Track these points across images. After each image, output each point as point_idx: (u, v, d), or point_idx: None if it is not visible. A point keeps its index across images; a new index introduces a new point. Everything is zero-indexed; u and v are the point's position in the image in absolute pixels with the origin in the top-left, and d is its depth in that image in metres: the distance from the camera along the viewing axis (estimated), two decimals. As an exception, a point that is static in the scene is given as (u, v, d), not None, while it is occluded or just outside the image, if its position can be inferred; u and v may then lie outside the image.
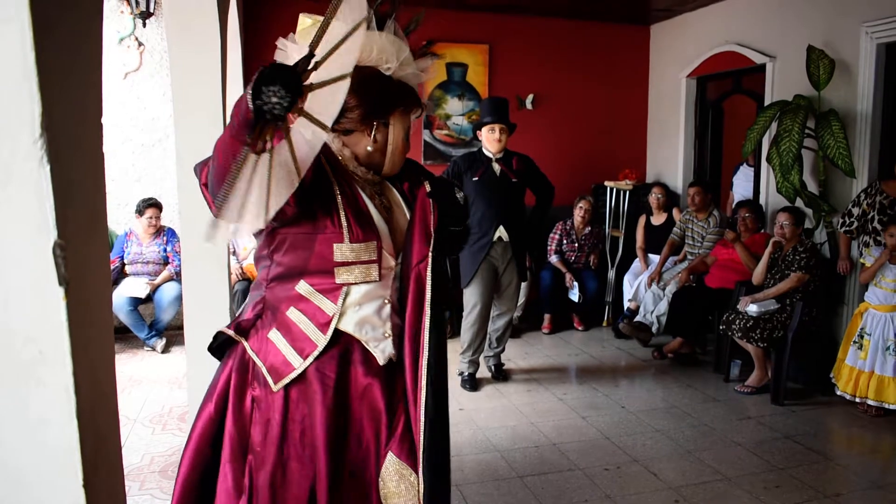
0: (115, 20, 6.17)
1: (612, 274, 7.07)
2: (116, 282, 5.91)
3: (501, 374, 5.33)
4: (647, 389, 5.24)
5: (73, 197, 1.17)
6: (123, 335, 6.04)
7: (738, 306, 5.15)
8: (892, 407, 4.47)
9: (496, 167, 4.96)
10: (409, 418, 1.86)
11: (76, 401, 1.13)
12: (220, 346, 1.99)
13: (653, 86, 7.93)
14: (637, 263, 6.86)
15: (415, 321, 1.87)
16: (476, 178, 4.91)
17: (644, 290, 6.35)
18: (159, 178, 6.47)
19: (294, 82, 1.36)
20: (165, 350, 5.88)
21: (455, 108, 7.22)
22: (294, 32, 1.83)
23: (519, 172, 5.00)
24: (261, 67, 1.36)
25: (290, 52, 1.80)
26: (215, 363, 3.73)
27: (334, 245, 1.81)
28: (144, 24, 5.84)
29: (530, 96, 7.42)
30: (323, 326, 1.84)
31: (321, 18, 1.54)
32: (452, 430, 4.30)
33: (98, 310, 1.32)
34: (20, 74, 1.02)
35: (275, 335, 1.85)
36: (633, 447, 4.10)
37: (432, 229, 1.88)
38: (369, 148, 1.88)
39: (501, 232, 4.92)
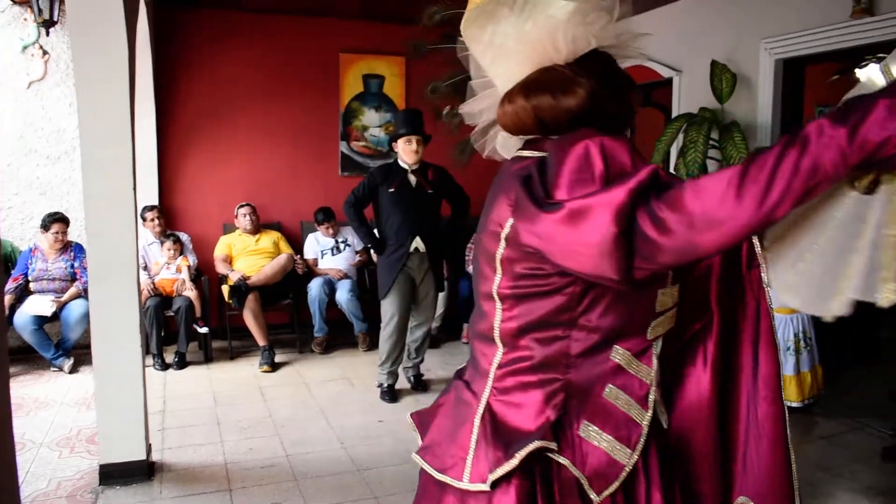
0: (19, 28, 5.96)
1: (530, 283, 7.13)
2: (21, 299, 5.67)
3: (421, 385, 5.33)
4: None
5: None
6: (28, 355, 5.80)
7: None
8: (794, 405, 4.65)
9: (412, 178, 4.98)
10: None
11: (-35, 424, 1.09)
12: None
13: (567, 98, 8.05)
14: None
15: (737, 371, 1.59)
16: (392, 190, 4.92)
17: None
18: (65, 191, 6.25)
19: None
20: (73, 370, 5.65)
21: (372, 120, 7.19)
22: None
23: (434, 184, 5.03)
24: None
25: (491, 31, 1.42)
26: (128, 381, 3.63)
27: (658, 291, 1.38)
28: (48, 33, 5.65)
29: (448, 107, 7.44)
30: (642, 401, 1.40)
31: None
32: (372, 442, 4.29)
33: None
34: None
35: (589, 430, 1.38)
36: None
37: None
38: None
39: (418, 243, 4.94)
